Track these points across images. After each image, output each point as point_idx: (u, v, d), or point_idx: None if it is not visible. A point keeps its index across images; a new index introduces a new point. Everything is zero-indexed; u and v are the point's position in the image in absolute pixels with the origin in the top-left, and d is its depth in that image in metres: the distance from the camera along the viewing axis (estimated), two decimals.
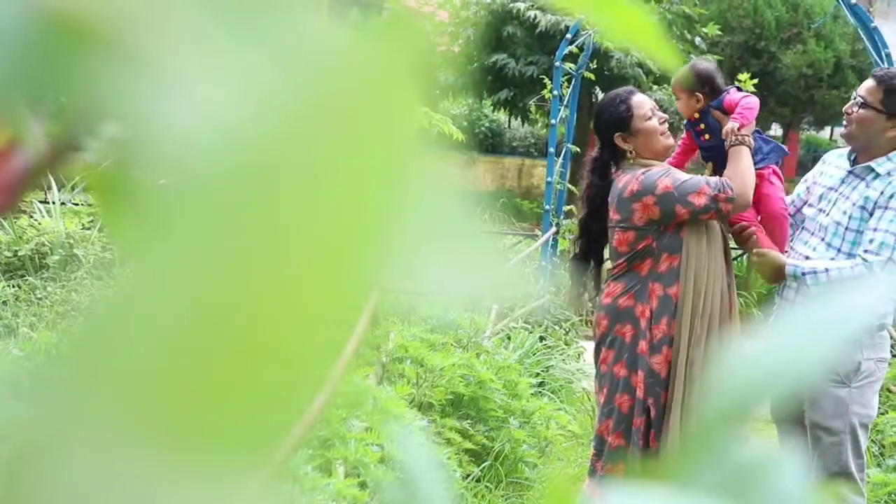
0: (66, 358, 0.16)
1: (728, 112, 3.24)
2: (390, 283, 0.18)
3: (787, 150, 3.42)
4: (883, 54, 5.52)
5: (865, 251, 3.11)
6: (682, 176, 3.12)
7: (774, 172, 3.27)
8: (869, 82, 3.25)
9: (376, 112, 0.18)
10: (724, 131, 3.21)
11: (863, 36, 5.86)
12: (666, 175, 3.11)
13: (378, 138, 0.18)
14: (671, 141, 3.24)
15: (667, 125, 3.23)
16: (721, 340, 3.10)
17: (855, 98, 3.26)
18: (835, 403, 3.15)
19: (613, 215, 3.21)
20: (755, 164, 3.20)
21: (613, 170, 3.27)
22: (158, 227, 0.17)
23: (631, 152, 3.21)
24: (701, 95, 3.27)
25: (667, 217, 3.11)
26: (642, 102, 3.22)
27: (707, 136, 3.30)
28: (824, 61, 14.77)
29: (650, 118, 3.19)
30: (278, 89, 0.17)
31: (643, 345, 3.15)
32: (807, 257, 3.21)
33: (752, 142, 3.18)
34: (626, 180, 3.16)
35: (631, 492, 0.22)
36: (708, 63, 3.39)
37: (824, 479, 3.16)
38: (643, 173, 3.14)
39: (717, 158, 3.28)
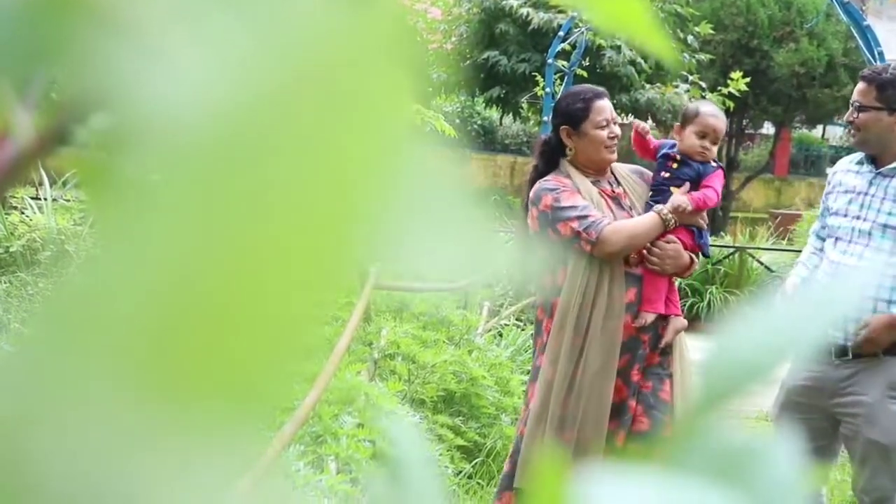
0: (51, 317, 0.17)
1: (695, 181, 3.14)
2: (375, 255, 0.18)
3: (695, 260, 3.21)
4: (875, 52, 5.53)
5: None
6: (565, 201, 3.00)
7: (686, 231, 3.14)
8: (860, 85, 3.20)
9: (365, 86, 0.18)
10: (673, 199, 3.08)
11: (855, 34, 5.87)
12: (551, 193, 3.02)
13: (366, 111, 0.18)
14: (613, 156, 3.13)
15: (615, 142, 3.12)
16: (609, 353, 2.99)
17: (852, 104, 3.21)
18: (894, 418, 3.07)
19: None
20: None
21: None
22: (144, 196, 0.17)
23: (570, 150, 3.12)
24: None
25: (545, 234, 3.04)
26: (603, 109, 3.09)
27: (667, 175, 3.18)
28: (817, 60, 14.79)
29: (603, 127, 3.07)
30: (268, 63, 0.17)
31: (541, 358, 3.07)
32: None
33: (673, 225, 3.05)
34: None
35: (616, 473, 0.21)
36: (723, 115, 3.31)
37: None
38: (540, 182, 3.08)
39: (665, 192, 3.17)
